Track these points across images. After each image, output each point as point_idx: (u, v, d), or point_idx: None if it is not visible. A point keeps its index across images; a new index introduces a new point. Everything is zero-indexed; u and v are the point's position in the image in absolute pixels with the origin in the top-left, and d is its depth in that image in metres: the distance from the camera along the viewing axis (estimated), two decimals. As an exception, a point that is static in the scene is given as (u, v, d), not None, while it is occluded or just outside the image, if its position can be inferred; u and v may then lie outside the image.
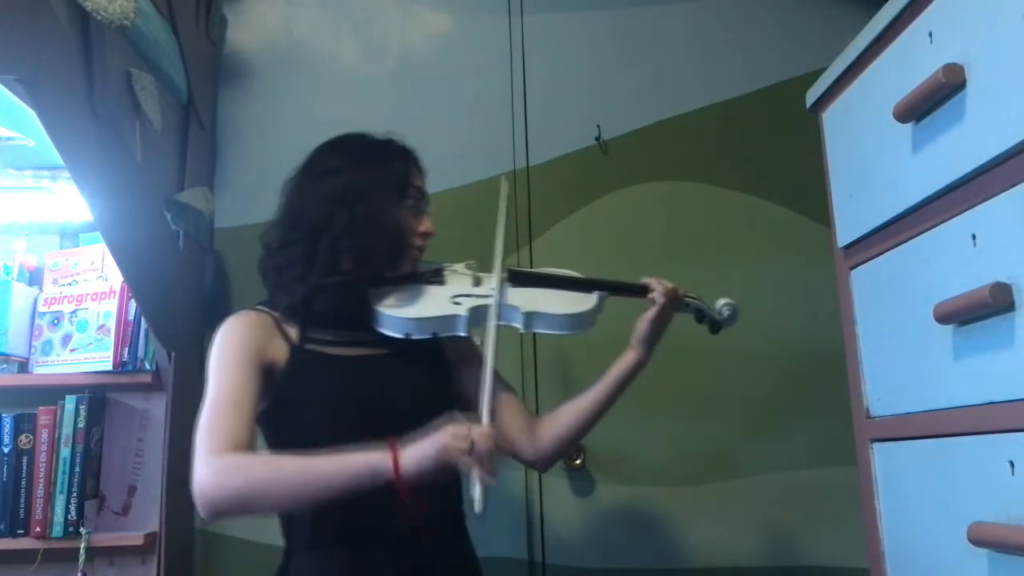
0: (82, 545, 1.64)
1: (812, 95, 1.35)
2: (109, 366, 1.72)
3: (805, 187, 1.78)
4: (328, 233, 1.21)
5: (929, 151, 1.00)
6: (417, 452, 1.04)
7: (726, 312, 1.37)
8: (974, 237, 0.91)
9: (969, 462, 0.92)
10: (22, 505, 1.67)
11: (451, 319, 1.24)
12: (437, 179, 1.89)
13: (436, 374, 1.29)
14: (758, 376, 1.81)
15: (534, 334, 1.78)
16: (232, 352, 1.16)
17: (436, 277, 1.31)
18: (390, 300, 1.24)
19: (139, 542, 1.66)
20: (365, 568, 1.14)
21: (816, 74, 1.34)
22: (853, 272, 1.23)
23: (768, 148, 1.91)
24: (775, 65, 1.95)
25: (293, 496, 1.06)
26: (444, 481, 1.07)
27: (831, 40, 1.43)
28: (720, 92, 1.95)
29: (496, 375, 1.31)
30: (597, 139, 1.93)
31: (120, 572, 1.72)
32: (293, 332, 1.22)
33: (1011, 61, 0.84)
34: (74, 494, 1.67)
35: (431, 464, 1.04)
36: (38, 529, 1.65)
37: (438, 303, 1.25)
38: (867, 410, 1.19)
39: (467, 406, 1.30)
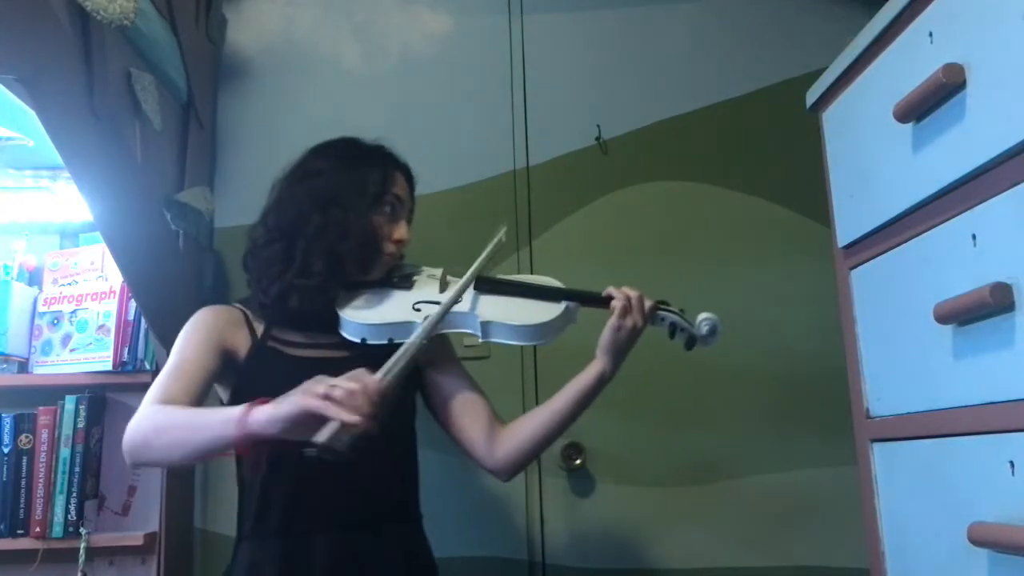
0: (82, 545, 1.64)
1: (812, 95, 1.35)
2: (109, 366, 1.72)
3: (805, 187, 1.78)
4: (302, 234, 1.25)
5: (929, 151, 1.00)
6: (274, 407, 1.03)
7: (705, 328, 1.28)
8: (974, 237, 0.91)
9: (969, 462, 0.92)
10: (22, 505, 1.67)
11: (407, 325, 1.23)
12: (437, 179, 1.91)
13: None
14: (758, 376, 1.81)
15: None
16: (192, 331, 1.24)
17: (405, 282, 1.31)
18: (352, 304, 1.26)
19: (139, 542, 1.66)
20: (304, 556, 1.16)
21: (816, 74, 1.34)
22: (853, 272, 1.23)
23: (768, 148, 1.91)
24: (775, 65, 1.95)
25: (179, 442, 1.10)
26: (301, 436, 1.01)
27: (831, 40, 1.43)
28: (720, 92, 1.95)
29: (465, 375, 1.34)
30: (597, 139, 1.93)
31: (120, 572, 1.72)
32: (260, 328, 1.27)
33: (1011, 61, 0.84)
34: (74, 494, 1.67)
35: (285, 414, 1.02)
36: (38, 529, 1.65)
37: (398, 309, 1.26)
38: (867, 410, 1.19)
39: (440, 409, 1.33)
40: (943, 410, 0.98)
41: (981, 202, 0.90)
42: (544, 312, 1.27)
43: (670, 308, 1.30)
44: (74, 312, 1.78)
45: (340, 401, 0.99)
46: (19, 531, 1.66)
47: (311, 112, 1.97)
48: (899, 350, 1.09)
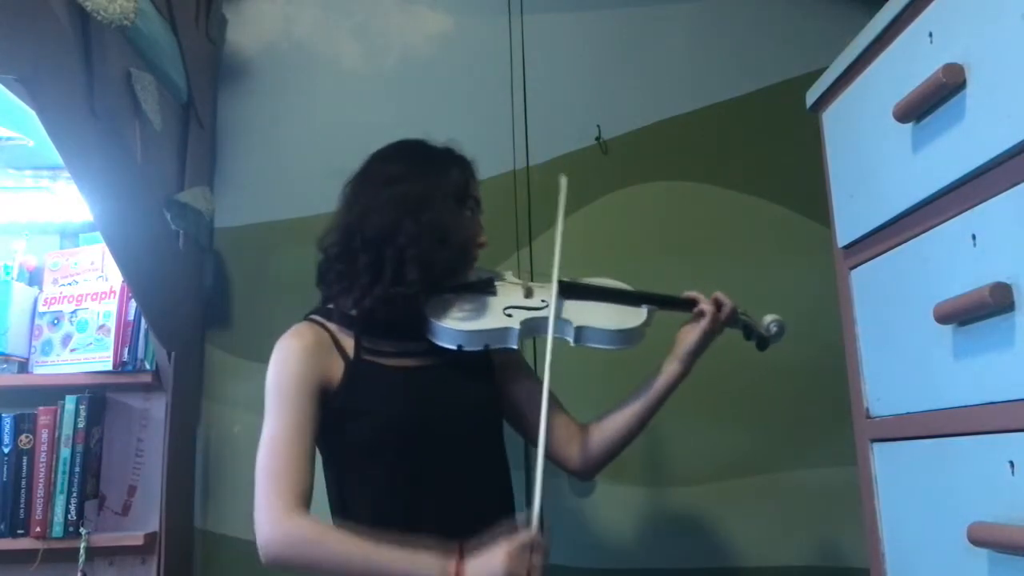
0: (82, 545, 1.64)
1: (812, 95, 1.35)
2: (109, 366, 1.72)
3: (805, 187, 1.78)
4: (393, 243, 1.18)
5: (929, 151, 1.00)
6: (483, 569, 1.04)
7: (774, 329, 1.37)
8: (974, 237, 0.91)
9: (969, 462, 0.92)
10: (22, 505, 1.67)
11: (503, 332, 1.23)
12: (437, 179, 1.91)
13: (486, 385, 1.29)
14: (757, 376, 1.81)
15: (533, 340, 1.79)
16: (291, 383, 1.16)
17: (488, 287, 1.29)
18: (443, 311, 1.22)
19: (139, 542, 1.66)
20: None
21: (816, 74, 1.34)
22: (853, 272, 1.23)
23: (768, 148, 1.91)
24: (775, 65, 1.95)
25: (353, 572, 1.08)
26: None
27: (831, 40, 1.43)
28: (720, 92, 1.95)
29: (539, 383, 1.28)
30: (597, 139, 1.93)
31: (120, 572, 1.72)
32: (349, 344, 1.23)
33: (1011, 61, 0.84)
34: (74, 494, 1.67)
35: None
36: (38, 529, 1.65)
37: (491, 315, 1.24)
38: (867, 410, 1.19)
39: (515, 414, 1.33)
40: (943, 410, 0.98)
41: (981, 202, 0.90)
42: (632, 317, 1.29)
43: (745, 312, 1.36)
44: (74, 312, 1.78)
45: None
46: (19, 531, 1.66)
47: (311, 112, 1.97)
48: (899, 350, 1.09)
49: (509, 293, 1.29)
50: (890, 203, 1.09)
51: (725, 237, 1.88)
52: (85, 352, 1.74)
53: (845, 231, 1.25)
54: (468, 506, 1.16)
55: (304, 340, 1.20)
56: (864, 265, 1.19)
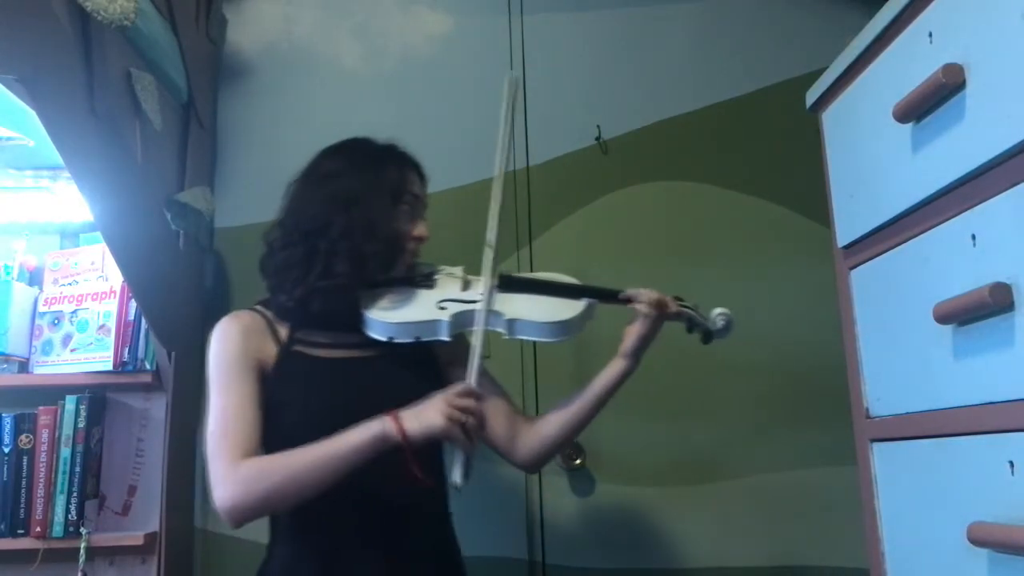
0: (82, 545, 1.64)
1: (812, 95, 1.35)
2: (109, 366, 1.72)
3: (805, 187, 1.78)
4: (325, 236, 1.24)
5: (929, 151, 1.00)
6: (418, 416, 1.11)
7: (720, 322, 1.34)
8: (974, 237, 0.91)
9: (969, 462, 0.92)
10: (22, 505, 1.67)
11: (433, 324, 1.25)
12: (437, 179, 1.89)
13: (424, 376, 1.29)
14: (758, 376, 1.81)
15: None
16: (230, 360, 1.21)
17: (427, 281, 1.32)
18: (377, 303, 1.26)
19: (139, 542, 1.66)
20: (343, 559, 1.16)
21: (816, 74, 1.34)
22: (853, 272, 1.23)
23: (768, 148, 1.91)
24: (775, 65, 1.95)
25: (312, 487, 1.11)
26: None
27: (831, 40, 1.43)
28: (720, 92, 1.95)
29: (487, 376, 1.34)
30: (597, 139, 1.93)
31: (120, 572, 1.72)
32: (284, 333, 1.27)
33: (1011, 61, 0.84)
34: (74, 494, 1.67)
35: (433, 427, 1.10)
36: (38, 529, 1.65)
37: (423, 308, 1.27)
38: (867, 410, 1.19)
39: None
40: (943, 410, 0.98)
41: (981, 202, 0.90)
42: (567, 309, 1.29)
43: (687, 304, 1.35)
44: (74, 312, 1.78)
45: (471, 434, 1.08)
46: (19, 531, 1.66)
47: (311, 112, 1.97)
48: (899, 350, 1.09)
49: (446, 286, 1.32)
50: (890, 203, 1.09)
51: (725, 237, 1.88)
52: (85, 352, 1.74)
53: (845, 231, 1.25)
54: (393, 499, 1.17)
55: (241, 322, 1.26)
56: (864, 265, 1.19)
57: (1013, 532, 0.82)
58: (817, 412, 1.77)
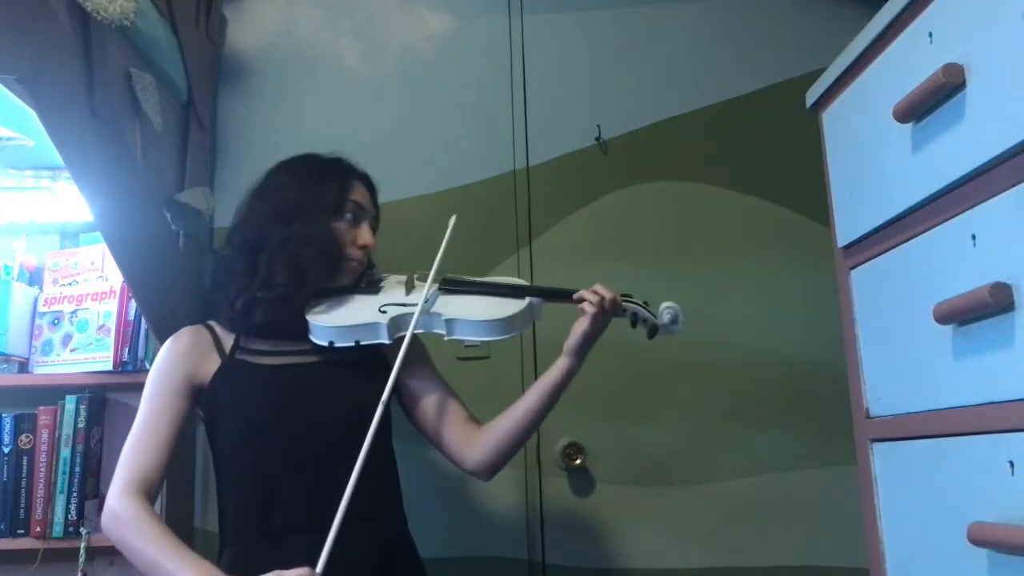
0: (82, 545, 1.63)
1: (812, 95, 1.35)
2: (109, 366, 1.72)
3: (805, 187, 1.78)
4: (265, 248, 1.29)
5: (929, 151, 1.00)
6: None
7: (666, 317, 1.31)
8: (974, 237, 0.91)
9: (969, 462, 0.92)
10: (22, 505, 1.67)
11: (373, 327, 1.27)
12: (436, 179, 1.91)
13: (371, 382, 1.28)
14: (758, 375, 1.81)
15: (533, 340, 1.79)
16: (160, 378, 1.27)
17: (371, 288, 1.35)
18: (320, 309, 1.30)
19: (139, 542, 1.66)
20: (283, 558, 1.14)
21: (816, 74, 1.34)
22: (853, 272, 1.23)
23: (768, 148, 1.91)
24: (775, 65, 1.95)
25: (142, 570, 1.14)
26: None
27: (831, 40, 1.43)
28: (720, 92, 1.95)
29: (436, 379, 1.37)
30: (597, 139, 1.93)
31: (120, 572, 1.72)
32: (229, 343, 1.31)
33: (1011, 61, 0.84)
34: (74, 494, 1.67)
35: None
36: (38, 529, 1.65)
37: (363, 311, 1.29)
38: (867, 410, 1.19)
39: (414, 411, 1.36)
40: (943, 410, 0.98)
41: (981, 202, 0.90)
42: (506, 307, 1.29)
43: (633, 300, 1.33)
44: (74, 312, 1.78)
45: None
46: (19, 531, 1.66)
47: (311, 112, 1.97)
48: (899, 350, 1.09)
49: (391, 291, 1.35)
50: (890, 203, 1.09)
51: (725, 237, 1.88)
52: (85, 352, 1.74)
53: (845, 231, 1.25)
54: (330, 503, 1.14)
55: (179, 342, 1.31)
56: (864, 265, 1.20)
57: (1013, 532, 0.82)
58: (817, 412, 1.77)
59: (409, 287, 1.35)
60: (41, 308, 1.80)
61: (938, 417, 0.99)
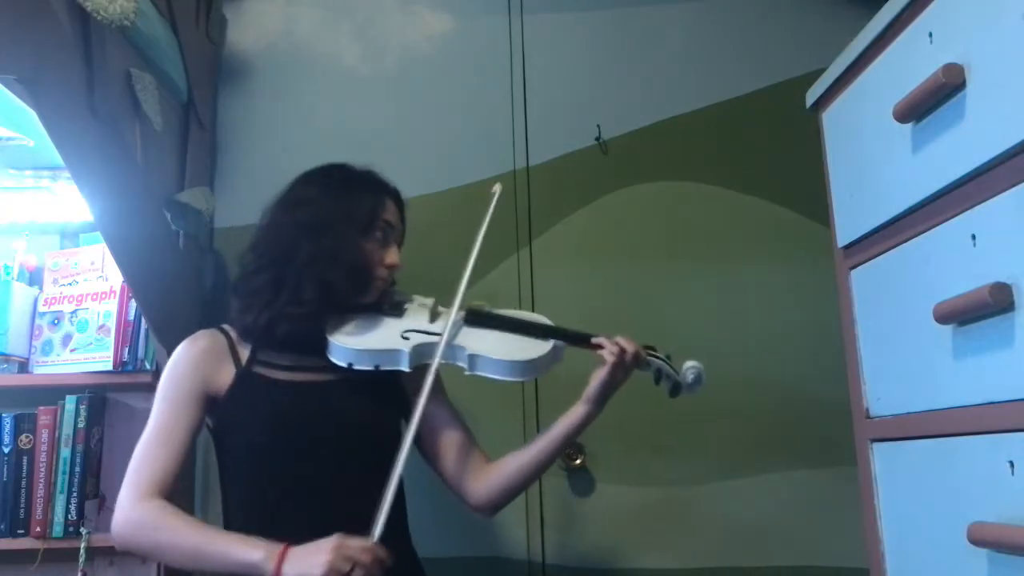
0: (82, 545, 1.64)
1: (812, 95, 1.35)
2: (109, 366, 1.72)
3: (805, 187, 1.78)
4: (293, 262, 1.25)
5: (929, 151, 1.00)
6: (301, 562, 1.06)
7: (690, 376, 1.30)
8: (974, 237, 0.91)
9: (969, 462, 0.92)
10: (22, 505, 1.67)
11: (393, 353, 1.25)
12: (436, 179, 1.91)
13: (383, 404, 1.29)
14: (758, 375, 1.81)
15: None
16: (174, 384, 1.24)
17: (395, 310, 1.32)
18: (343, 329, 1.26)
19: (139, 542, 1.66)
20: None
21: (816, 74, 1.34)
22: (853, 272, 1.23)
23: (768, 148, 1.91)
24: (775, 65, 1.95)
25: (186, 565, 1.14)
26: None
27: (831, 40, 1.43)
28: (720, 92, 1.95)
29: (448, 406, 1.35)
30: (597, 139, 1.93)
31: (120, 572, 1.72)
32: (245, 354, 1.28)
33: (1011, 61, 0.84)
34: (74, 494, 1.67)
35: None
36: (38, 529, 1.65)
37: (386, 336, 1.26)
38: (867, 410, 1.19)
39: (424, 442, 1.33)
40: (943, 410, 0.98)
41: (981, 202, 0.90)
42: (532, 349, 1.27)
43: (657, 354, 1.32)
44: (74, 312, 1.78)
45: None
46: (19, 531, 1.66)
47: (311, 112, 1.97)
48: (899, 350, 1.09)
49: (415, 316, 1.31)
50: (890, 203, 1.09)
51: (725, 237, 1.88)
52: (85, 352, 1.74)
53: (845, 231, 1.25)
54: (337, 525, 1.12)
55: (196, 346, 1.27)
56: (864, 265, 1.20)
57: (1013, 532, 0.82)
58: (817, 412, 1.77)
59: (434, 314, 1.31)
60: (41, 308, 1.80)
61: (938, 417, 0.99)
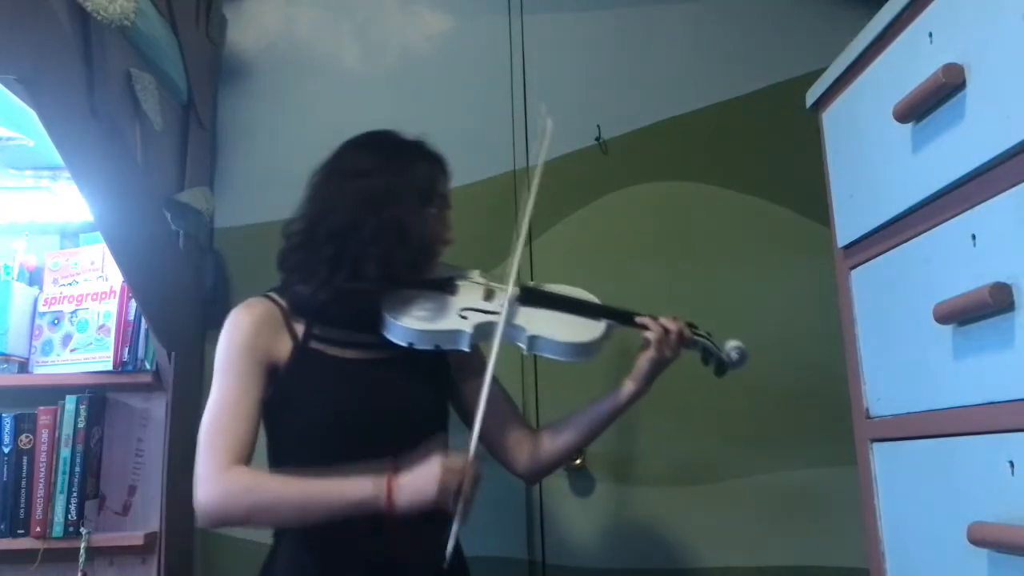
0: (82, 545, 1.64)
1: (812, 95, 1.35)
2: (109, 366, 1.72)
3: (805, 187, 1.78)
4: (354, 237, 1.18)
5: (929, 151, 1.00)
6: (412, 488, 1.08)
7: (735, 355, 1.34)
8: (974, 237, 0.91)
9: (969, 462, 0.92)
10: (22, 505, 1.67)
11: (455, 334, 1.23)
12: (437, 179, 1.91)
13: (436, 382, 1.29)
14: (758, 376, 1.80)
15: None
16: (237, 354, 1.18)
17: (449, 287, 1.28)
18: (399, 307, 1.22)
19: (139, 542, 1.66)
20: (346, 557, 1.15)
21: (816, 74, 1.34)
22: (853, 272, 1.23)
23: (768, 148, 1.91)
24: (775, 65, 1.95)
25: (293, 519, 1.12)
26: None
27: (831, 40, 1.43)
28: (720, 92, 1.95)
29: (496, 381, 1.32)
30: (597, 139, 1.93)
31: (120, 572, 1.72)
32: (299, 327, 1.22)
33: (1011, 61, 0.84)
34: (74, 494, 1.67)
35: (426, 501, 1.07)
36: (38, 529, 1.65)
37: (445, 316, 1.23)
38: (867, 410, 1.19)
39: (465, 416, 1.32)
40: (943, 410, 0.98)
41: (981, 202, 0.90)
42: (588, 330, 1.27)
43: (700, 333, 1.34)
44: (74, 312, 1.78)
45: (467, 504, 1.07)
46: (19, 531, 1.66)
47: (311, 112, 1.97)
48: (899, 350, 1.09)
49: (469, 294, 1.28)
50: (890, 203, 1.09)
51: (725, 237, 1.88)
52: (85, 352, 1.74)
53: (845, 231, 1.25)
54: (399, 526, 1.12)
55: (254, 313, 1.20)
56: (864, 265, 1.20)
57: (1013, 532, 0.82)
58: (817, 412, 1.77)
59: (488, 292, 1.29)
60: (41, 308, 1.80)
61: (938, 417, 0.99)
